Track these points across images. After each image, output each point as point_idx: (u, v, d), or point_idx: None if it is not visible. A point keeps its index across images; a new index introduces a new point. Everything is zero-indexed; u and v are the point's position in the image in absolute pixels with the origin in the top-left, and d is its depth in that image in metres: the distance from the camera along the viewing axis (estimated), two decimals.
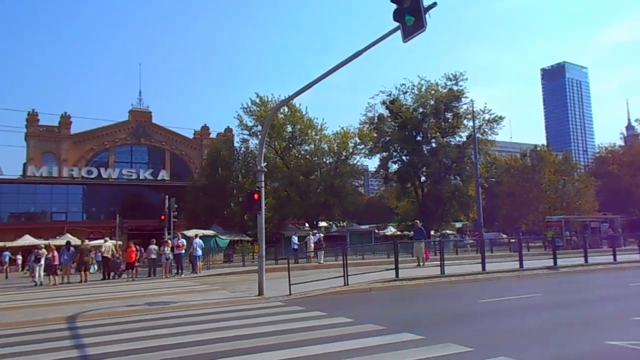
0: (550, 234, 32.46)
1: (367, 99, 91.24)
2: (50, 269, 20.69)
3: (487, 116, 40.31)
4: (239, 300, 12.40)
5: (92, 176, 53.72)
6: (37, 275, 20.62)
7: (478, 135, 37.47)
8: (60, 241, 31.41)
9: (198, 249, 23.10)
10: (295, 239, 29.07)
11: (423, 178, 43.02)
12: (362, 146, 41.83)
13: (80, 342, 7.73)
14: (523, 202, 47.60)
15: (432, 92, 40.49)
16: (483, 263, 16.92)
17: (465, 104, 39.82)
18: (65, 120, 56.29)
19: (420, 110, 40.94)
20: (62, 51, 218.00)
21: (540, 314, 9.40)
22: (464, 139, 41.55)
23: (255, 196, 13.34)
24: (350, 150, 41.60)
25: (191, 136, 63.51)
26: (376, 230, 46.17)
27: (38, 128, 55.39)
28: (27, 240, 36.27)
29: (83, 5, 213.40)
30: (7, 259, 31.29)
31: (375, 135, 41.47)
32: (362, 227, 46.03)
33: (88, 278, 21.12)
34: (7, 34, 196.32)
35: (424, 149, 41.96)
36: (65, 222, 48.53)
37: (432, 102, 40.43)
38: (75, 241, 27.36)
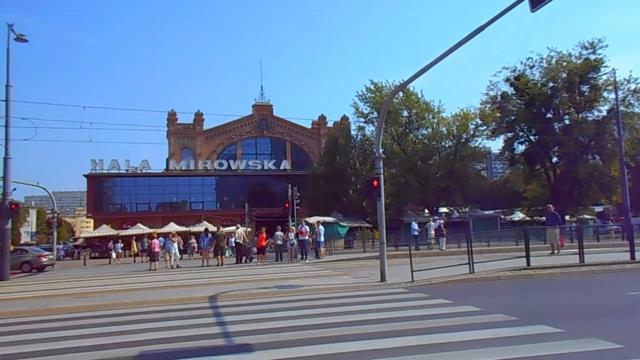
0: None
1: (489, 77, 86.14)
2: (151, 255, 23.01)
3: (632, 86, 35.70)
4: (362, 285, 12.63)
5: (223, 168, 58.57)
6: (172, 259, 23.12)
7: (622, 108, 33.29)
8: (199, 228, 34.80)
9: (321, 235, 23.94)
10: (415, 226, 28.60)
11: (555, 159, 39.69)
12: (484, 127, 39.65)
13: (222, 319, 8.53)
14: None
15: (564, 63, 36.86)
16: (632, 251, 15.08)
17: (606, 74, 35.56)
18: (199, 117, 61.90)
19: (550, 84, 37.59)
20: (192, 56, 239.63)
21: None
22: (604, 113, 37.32)
23: (375, 183, 13.46)
24: (471, 132, 39.67)
25: (309, 126, 65.68)
26: (502, 216, 43.58)
27: (177, 126, 61.78)
28: (172, 227, 40.56)
29: (209, 15, 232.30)
30: (162, 244, 34.90)
31: (498, 115, 39.02)
32: (486, 212, 43.74)
33: (224, 262, 23.19)
34: (151, 45, 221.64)
35: (556, 126, 38.54)
36: (202, 210, 53.84)
37: (564, 75, 36.85)
38: (211, 228, 30.08)
